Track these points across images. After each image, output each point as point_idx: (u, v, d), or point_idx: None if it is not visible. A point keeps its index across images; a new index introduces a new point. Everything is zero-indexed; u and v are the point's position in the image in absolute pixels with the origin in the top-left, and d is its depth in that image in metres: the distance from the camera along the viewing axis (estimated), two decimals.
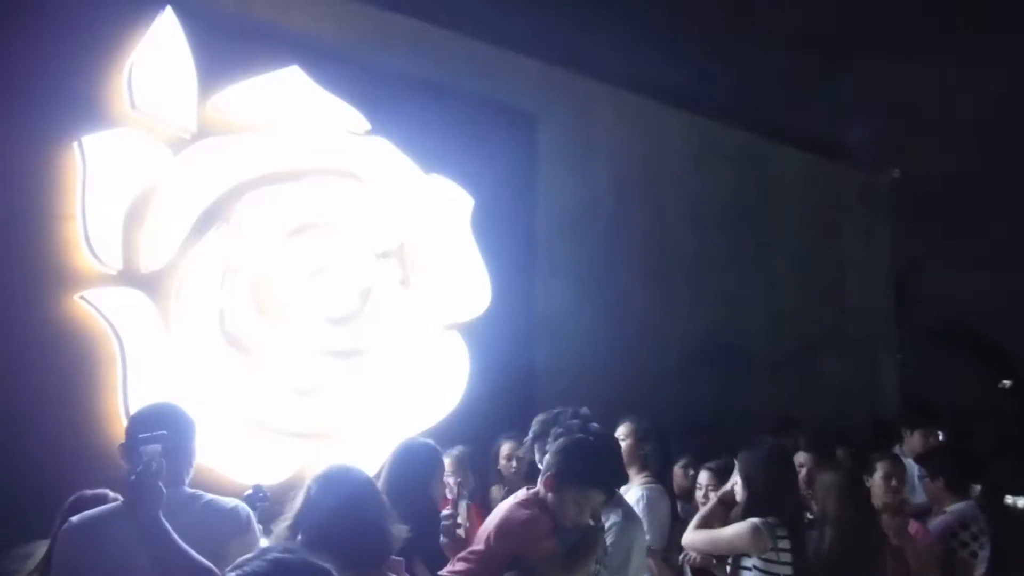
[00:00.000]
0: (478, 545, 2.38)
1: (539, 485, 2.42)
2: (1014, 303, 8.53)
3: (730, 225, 6.65)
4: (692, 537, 3.08)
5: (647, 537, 3.17)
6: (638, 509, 3.54)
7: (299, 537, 2.18)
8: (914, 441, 4.96)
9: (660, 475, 3.93)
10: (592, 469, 2.35)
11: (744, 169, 6.85)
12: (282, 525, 2.21)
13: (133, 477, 2.03)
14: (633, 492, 3.73)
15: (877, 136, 7.52)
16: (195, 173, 3.95)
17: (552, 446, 2.47)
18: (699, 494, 3.65)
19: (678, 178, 6.39)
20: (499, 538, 2.32)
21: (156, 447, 2.06)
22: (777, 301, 6.98)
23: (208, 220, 3.99)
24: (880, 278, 8.25)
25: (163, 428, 2.17)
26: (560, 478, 2.33)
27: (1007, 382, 11.89)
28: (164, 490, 2.05)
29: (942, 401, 7.08)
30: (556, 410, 2.90)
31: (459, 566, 2.37)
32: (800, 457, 3.76)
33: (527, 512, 2.34)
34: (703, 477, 3.67)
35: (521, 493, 2.46)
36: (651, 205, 6.18)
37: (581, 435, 2.48)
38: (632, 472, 3.78)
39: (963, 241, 8.68)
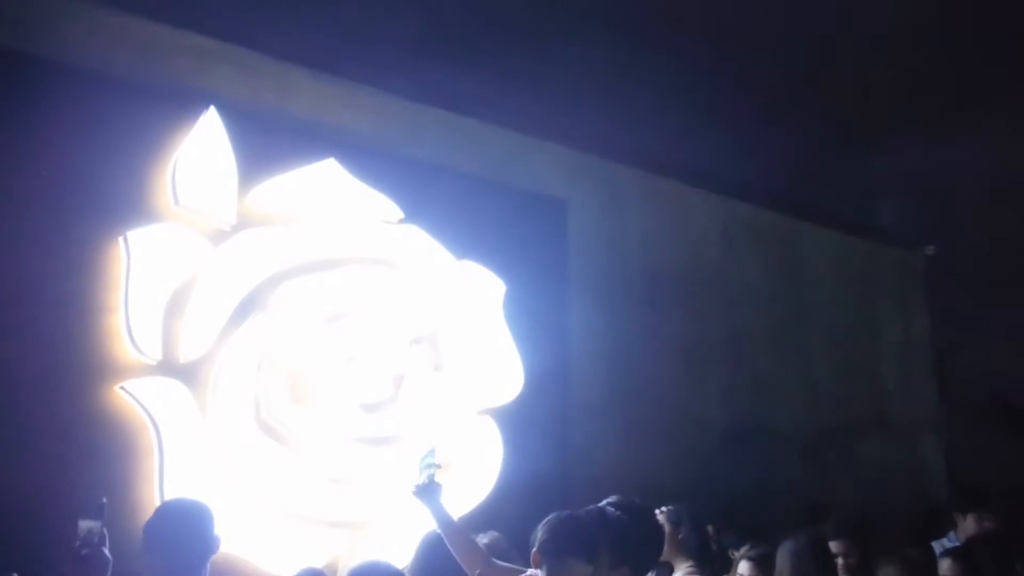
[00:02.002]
0: None
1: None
2: None
3: (764, 305, 6.61)
4: None
5: None
6: None
7: None
8: (968, 526, 4.79)
9: (701, 561, 3.83)
10: (567, 539, 2.37)
11: (777, 249, 6.84)
12: None
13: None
14: None
15: (910, 212, 7.50)
16: (234, 264, 4.05)
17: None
18: None
19: (710, 259, 6.40)
20: None
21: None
22: (815, 382, 6.86)
23: (246, 309, 4.08)
24: (920, 356, 8.09)
25: (180, 526, 2.27)
26: (541, 551, 2.35)
27: None
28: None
29: (993, 482, 6.85)
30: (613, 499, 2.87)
31: None
32: (835, 546, 3.65)
33: None
34: (743, 568, 3.57)
35: (530, 572, 2.48)
36: (683, 287, 6.17)
37: (567, 511, 2.51)
38: (674, 560, 3.70)
39: (1004, 315, 8.52)
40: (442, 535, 2.88)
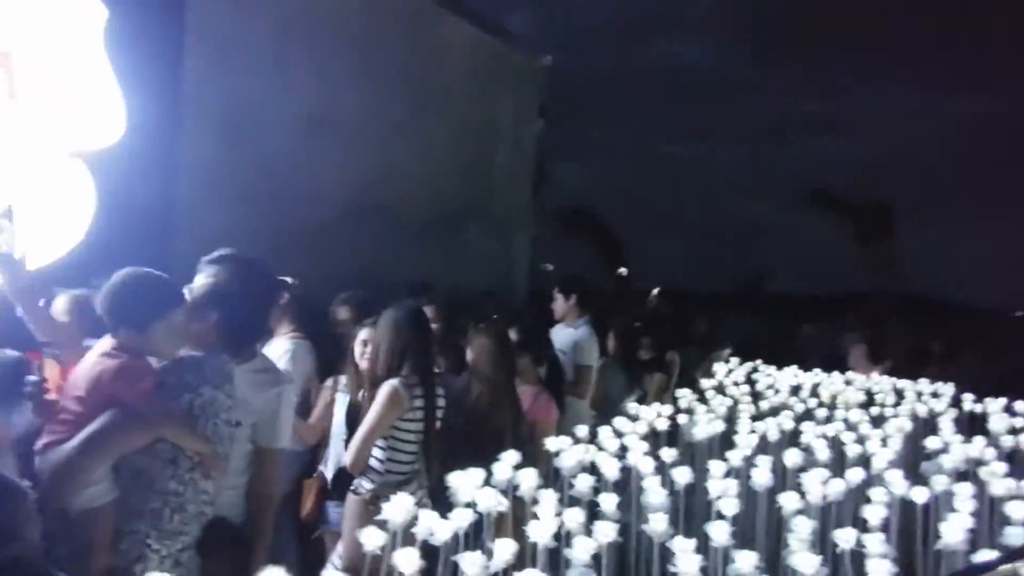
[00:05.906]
0: (70, 405, 2.14)
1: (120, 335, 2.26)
2: (638, 197, 9.61)
3: (393, 84, 6.58)
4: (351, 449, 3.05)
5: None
6: (283, 362, 3.47)
7: None
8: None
9: (305, 327, 3.87)
10: (160, 295, 2.28)
11: (413, 30, 6.77)
12: None
13: None
14: (279, 344, 3.64)
15: (538, 22, 7.88)
16: None
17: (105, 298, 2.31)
18: (358, 350, 3.65)
19: (347, 27, 6.12)
20: (93, 394, 2.12)
21: None
22: (430, 167, 7.12)
23: None
24: (525, 159, 8.80)
25: None
26: (138, 321, 2.21)
27: (623, 271, 13.59)
28: None
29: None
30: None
31: (54, 434, 2.12)
32: (431, 314, 3.94)
33: (117, 361, 2.17)
34: (363, 333, 3.67)
35: (106, 342, 2.26)
36: (315, 51, 5.86)
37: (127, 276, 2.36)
38: (280, 326, 3.68)
39: (605, 133, 9.53)
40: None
